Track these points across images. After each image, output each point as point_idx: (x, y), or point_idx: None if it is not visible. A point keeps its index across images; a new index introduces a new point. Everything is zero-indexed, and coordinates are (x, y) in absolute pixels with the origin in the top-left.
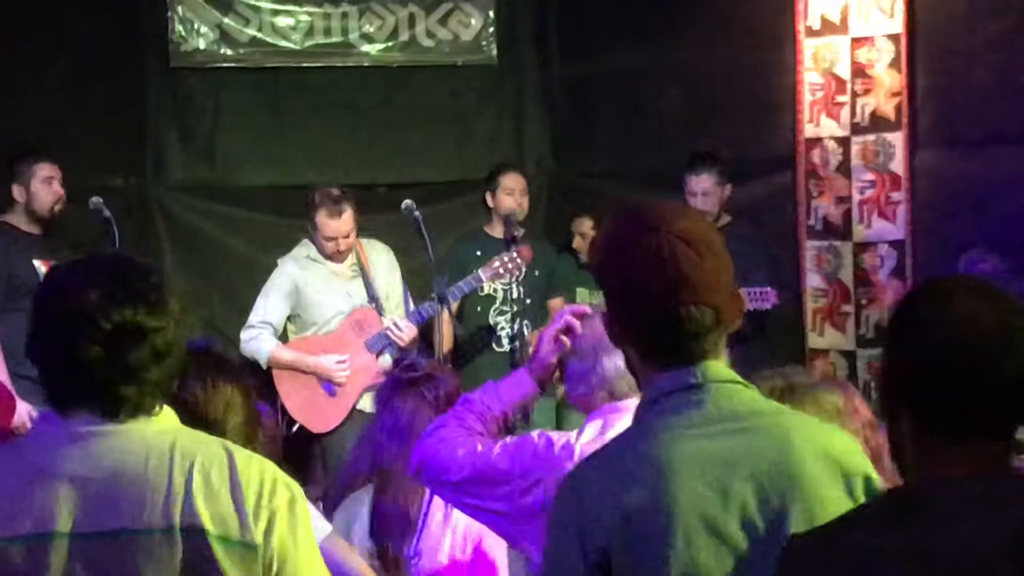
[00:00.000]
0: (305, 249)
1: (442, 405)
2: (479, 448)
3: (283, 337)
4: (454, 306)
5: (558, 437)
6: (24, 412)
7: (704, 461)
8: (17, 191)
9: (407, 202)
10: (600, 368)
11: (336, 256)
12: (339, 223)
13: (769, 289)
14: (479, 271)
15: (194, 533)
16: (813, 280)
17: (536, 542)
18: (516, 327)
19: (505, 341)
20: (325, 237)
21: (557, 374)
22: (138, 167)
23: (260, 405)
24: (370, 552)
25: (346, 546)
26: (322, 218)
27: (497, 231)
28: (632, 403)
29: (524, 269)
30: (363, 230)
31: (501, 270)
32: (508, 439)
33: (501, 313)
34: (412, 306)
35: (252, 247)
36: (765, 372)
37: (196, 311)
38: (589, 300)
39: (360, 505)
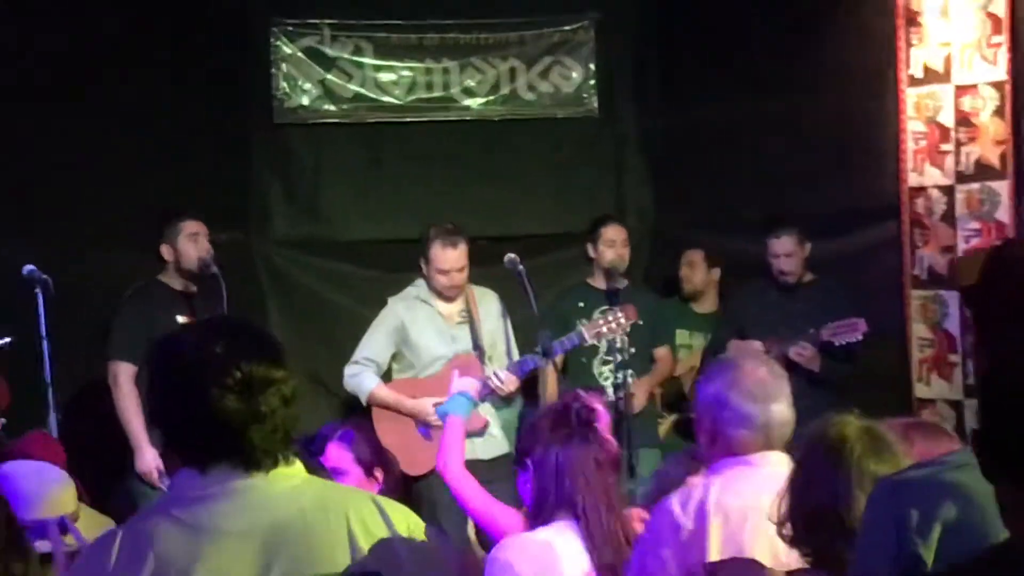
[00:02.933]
0: (415, 290)
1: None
2: None
3: (387, 375)
4: (558, 358)
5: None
6: (151, 460)
7: None
8: (166, 251)
9: (510, 255)
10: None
11: (448, 292)
12: (454, 254)
13: (857, 320)
14: (582, 329)
15: None
16: (919, 330)
17: None
18: (620, 377)
19: (609, 391)
20: (439, 270)
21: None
22: (242, 222)
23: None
24: None
25: None
26: (436, 250)
27: (600, 282)
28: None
29: (628, 328)
30: (460, 286)
31: (604, 328)
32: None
33: (605, 363)
34: (516, 356)
35: (355, 301)
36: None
37: (300, 365)
38: (688, 342)
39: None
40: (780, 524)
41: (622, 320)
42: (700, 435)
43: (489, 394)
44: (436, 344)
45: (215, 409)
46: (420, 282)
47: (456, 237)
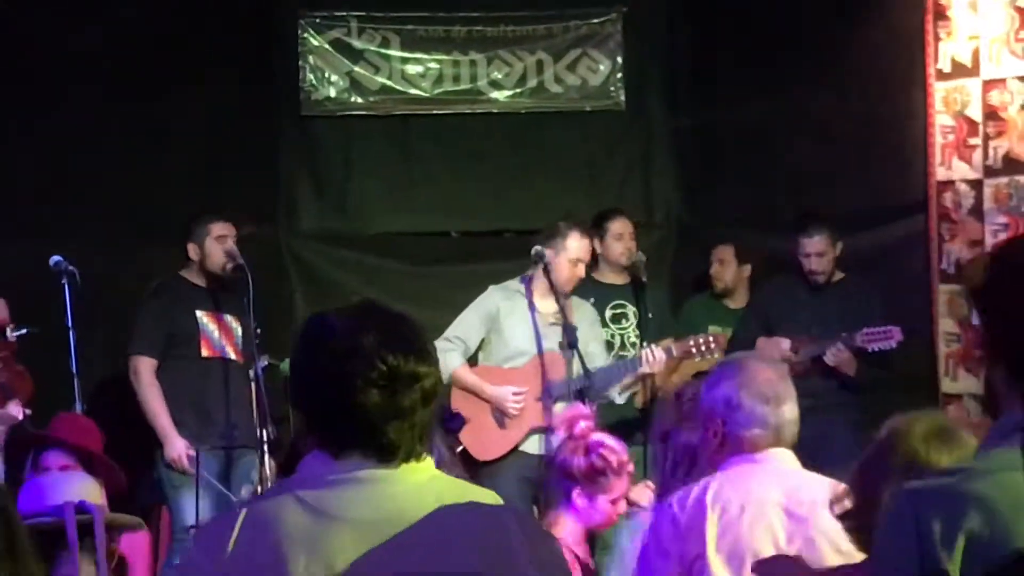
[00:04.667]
0: (517, 284)
1: None
2: None
3: (472, 360)
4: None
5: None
6: (182, 447)
7: None
8: (192, 249)
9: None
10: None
11: (571, 284)
12: (588, 244)
13: (892, 328)
14: (671, 346)
15: None
16: (946, 324)
17: None
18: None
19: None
20: (574, 259)
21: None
22: (270, 215)
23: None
24: None
25: None
26: (574, 239)
27: (606, 277)
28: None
29: (716, 355)
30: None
31: (694, 349)
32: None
33: (620, 359)
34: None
35: (383, 294)
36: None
37: None
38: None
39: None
40: (837, 501)
41: (713, 346)
42: (708, 439)
43: (573, 393)
44: (525, 338)
45: (356, 400)
46: (523, 278)
47: (586, 228)
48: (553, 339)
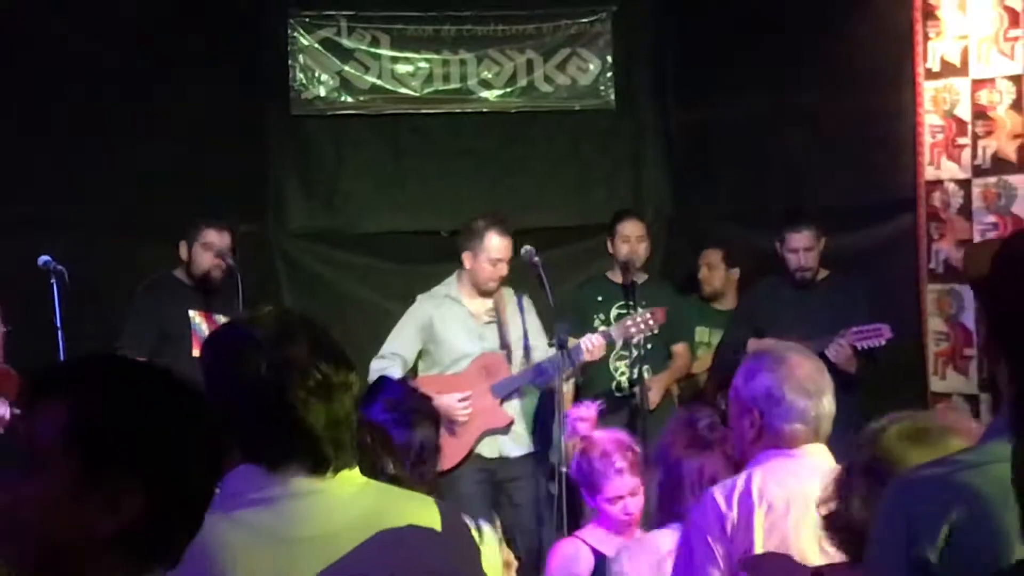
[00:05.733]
0: (445, 288)
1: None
2: None
3: (412, 372)
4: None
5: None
6: None
7: None
8: (182, 249)
9: (527, 248)
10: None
11: (492, 284)
12: (508, 243)
13: (881, 326)
14: (611, 330)
15: None
16: (935, 324)
17: None
18: (636, 372)
19: (625, 386)
20: (493, 259)
21: None
22: (260, 214)
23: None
24: None
25: None
26: (492, 238)
27: (617, 277)
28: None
29: (657, 330)
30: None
31: (633, 330)
32: None
33: (621, 358)
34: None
35: (373, 292)
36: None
37: None
38: (708, 339)
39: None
40: (823, 503)
41: (651, 322)
42: (742, 430)
43: (514, 392)
44: (464, 342)
45: (295, 413)
46: (450, 280)
47: (507, 226)
48: (491, 338)
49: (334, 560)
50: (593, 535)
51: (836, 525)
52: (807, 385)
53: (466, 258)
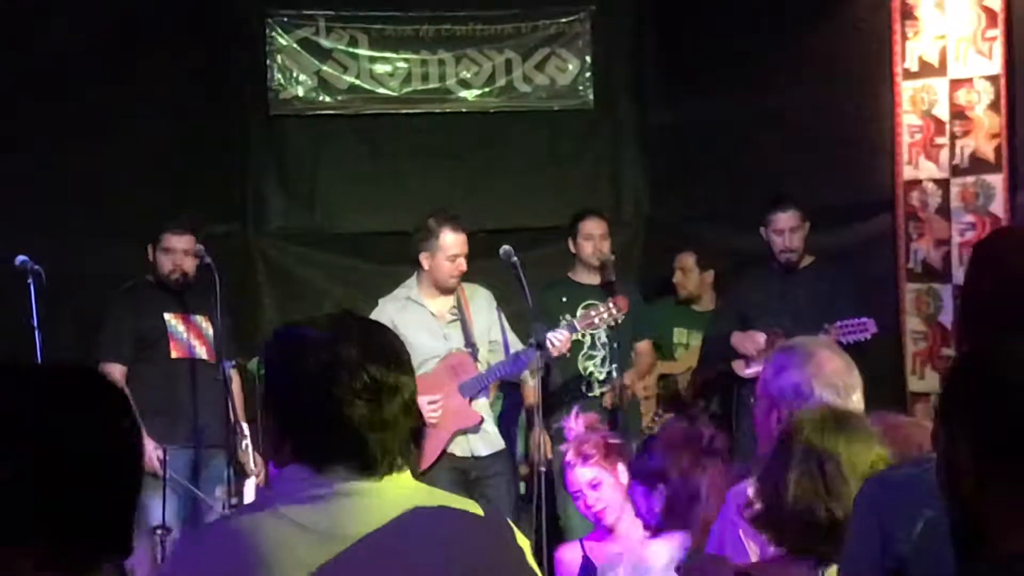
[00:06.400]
0: (406, 290)
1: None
2: None
3: None
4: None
5: None
6: (150, 449)
7: None
8: (150, 252)
9: (505, 248)
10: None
11: (451, 281)
12: (463, 238)
13: (867, 320)
14: (574, 321)
15: None
16: (912, 323)
17: None
18: (606, 371)
19: (596, 386)
20: (449, 255)
21: None
22: (238, 214)
23: None
24: None
25: None
26: (447, 235)
27: (581, 277)
28: None
29: (620, 319)
30: (463, 275)
31: (596, 320)
32: None
33: (590, 358)
34: (515, 347)
35: (352, 293)
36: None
37: None
38: (686, 340)
39: None
40: (747, 506)
41: (614, 311)
42: (770, 425)
43: (483, 390)
44: (429, 343)
45: (341, 413)
46: (410, 282)
47: (460, 222)
48: (455, 337)
49: (379, 559)
50: (589, 539)
51: (769, 522)
52: (836, 381)
53: (424, 259)
